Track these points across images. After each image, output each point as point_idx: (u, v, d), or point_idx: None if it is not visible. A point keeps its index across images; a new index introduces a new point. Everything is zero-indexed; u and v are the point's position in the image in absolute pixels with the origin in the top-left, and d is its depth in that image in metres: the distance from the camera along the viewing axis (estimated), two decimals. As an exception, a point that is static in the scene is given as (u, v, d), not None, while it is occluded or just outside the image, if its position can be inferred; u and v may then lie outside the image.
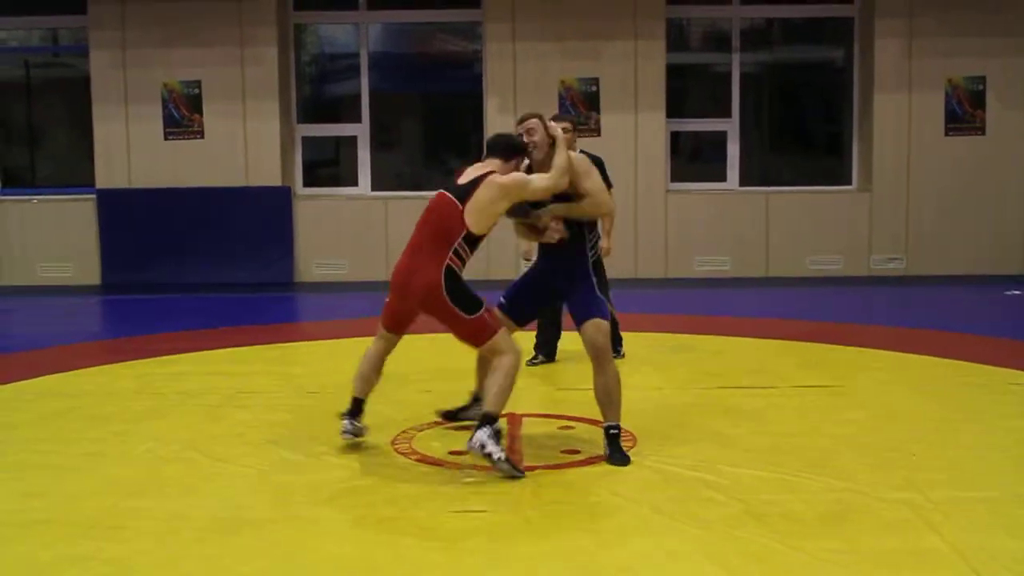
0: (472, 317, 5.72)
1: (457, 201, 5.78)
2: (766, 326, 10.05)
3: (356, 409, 6.15)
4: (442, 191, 5.92)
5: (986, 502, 5.05)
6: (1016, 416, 6.73)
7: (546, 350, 8.53)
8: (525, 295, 6.24)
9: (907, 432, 6.31)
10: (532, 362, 8.33)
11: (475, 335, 5.78)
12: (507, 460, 5.52)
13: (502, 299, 6.21)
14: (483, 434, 5.51)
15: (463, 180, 5.89)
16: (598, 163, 7.63)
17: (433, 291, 5.69)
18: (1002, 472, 5.57)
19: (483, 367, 6.16)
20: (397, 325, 6.15)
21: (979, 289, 12.41)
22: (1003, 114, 13.57)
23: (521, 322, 6.24)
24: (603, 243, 8.33)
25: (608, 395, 5.88)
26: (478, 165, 5.97)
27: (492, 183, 5.77)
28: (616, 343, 8.37)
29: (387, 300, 6.09)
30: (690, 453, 5.95)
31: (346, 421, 6.10)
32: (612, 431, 5.87)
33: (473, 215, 5.74)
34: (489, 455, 5.48)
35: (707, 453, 5.95)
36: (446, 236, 5.75)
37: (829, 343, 9.17)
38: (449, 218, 5.76)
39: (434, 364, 8.04)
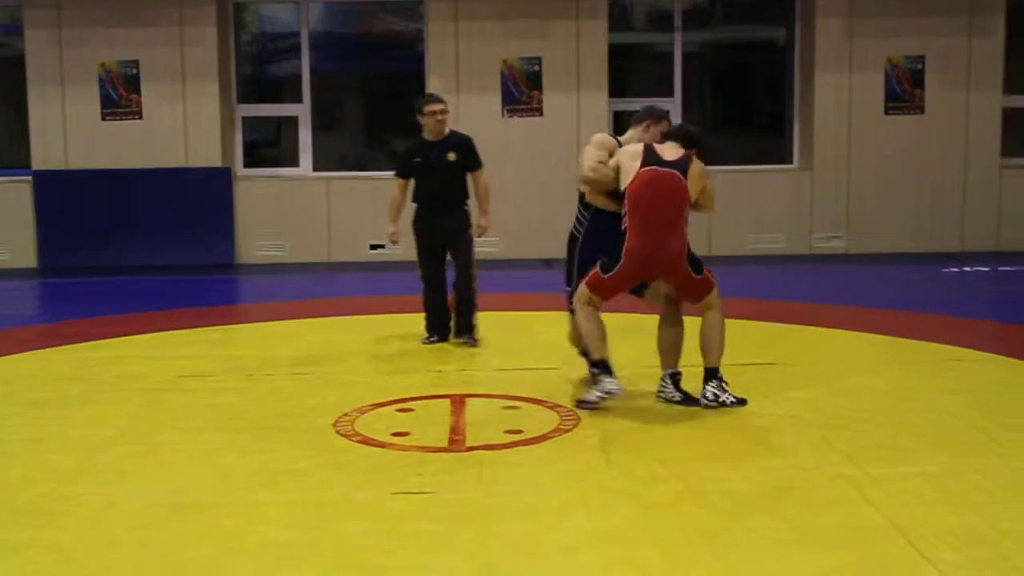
0: (699, 277, 6.44)
1: (681, 176, 6.30)
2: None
3: (609, 368, 6.48)
4: (666, 169, 6.30)
5: (924, 477, 5.11)
6: (953, 392, 6.81)
7: (441, 331, 8.44)
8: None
9: (848, 409, 6.37)
10: (428, 341, 8.35)
11: (701, 290, 6.49)
12: (735, 398, 6.39)
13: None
14: (712, 387, 6.42)
15: (672, 158, 6.34)
16: (468, 144, 8.24)
17: (679, 259, 6.34)
18: (939, 448, 5.63)
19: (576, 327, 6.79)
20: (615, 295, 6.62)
21: (918, 267, 12.55)
22: (942, 93, 13.71)
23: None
24: (481, 221, 8.43)
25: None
26: (669, 144, 6.45)
27: (697, 161, 6.40)
28: (470, 329, 8.35)
29: (621, 273, 6.39)
30: (633, 432, 5.97)
31: (611, 382, 6.40)
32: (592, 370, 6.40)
33: (690, 188, 6.32)
34: (723, 403, 6.34)
35: (649, 433, 5.97)
36: (682, 208, 6.33)
37: (771, 321, 9.23)
38: (681, 191, 6.30)
39: (370, 348, 8.01)
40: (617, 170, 6.44)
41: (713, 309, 6.52)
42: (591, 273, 6.48)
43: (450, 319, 8.42)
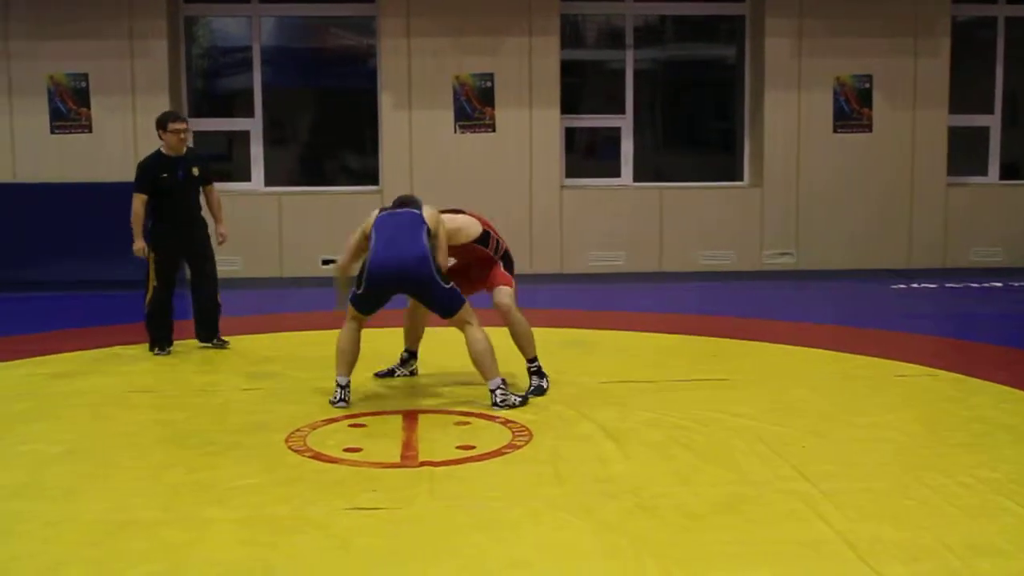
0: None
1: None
2: (660, 321, 10.14)
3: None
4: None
5: (873, 492, 5.16)
6: (901, 407, 6.88)
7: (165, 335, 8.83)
8: None
9: (798, 424, 6.41)
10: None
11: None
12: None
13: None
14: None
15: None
16: (205, 160, 9.12)
17: None
18: (888, 463, 5.68)
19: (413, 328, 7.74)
20: None
21: (867, 283, 12.66)
22: (889, 112, 13.87)
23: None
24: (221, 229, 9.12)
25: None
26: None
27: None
28: (214, 330, 8.96)
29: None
30: (585, 448, 5.98)
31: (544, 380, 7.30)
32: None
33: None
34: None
35: (600, 447, 5.98)
36: None
37: (722, 337, 9.28)
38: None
39: (322, 364, 7.95)
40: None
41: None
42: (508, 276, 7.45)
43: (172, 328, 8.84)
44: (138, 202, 8.75)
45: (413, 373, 7.83)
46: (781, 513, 4.89)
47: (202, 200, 9.07)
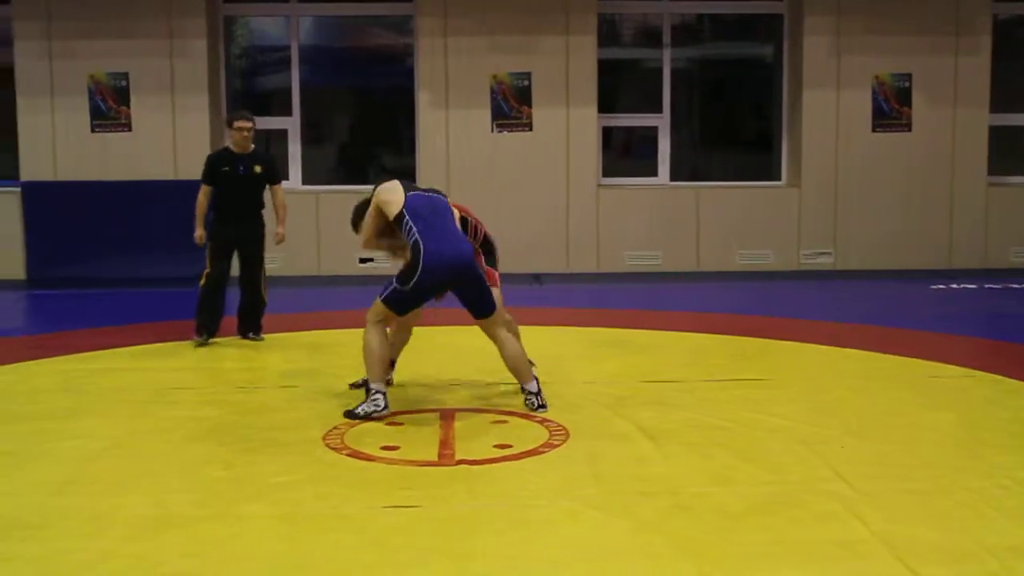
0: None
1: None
2: (697, 320, 10.11)
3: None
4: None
5: (912, 493, 5.13)
6: (940, 408, 6.83)
7: (213, 328, 9.12)
8: None
9: (836, 425, 6.38)
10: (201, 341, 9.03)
11: None
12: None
13: None
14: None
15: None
16: (272, 160, 9.43)
17: None
18: (927, 465, 5.64)
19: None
20: None
21: (906, 284, 12.58)
22: (928, 111, 13.78)
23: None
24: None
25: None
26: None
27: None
28: (253, 325, 9.25)
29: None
30: (622, 447, 5.97)
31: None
32: None
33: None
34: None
35: (638, 447, 5.97)
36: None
37: (760, 337, 9.25)
38: None
39: (360, 362, 7.98)
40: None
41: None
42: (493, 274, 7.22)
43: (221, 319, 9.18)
44: (201, 192, 9.15)
45: (389, 383, 7.15)
46: (819, 514, 4.86)
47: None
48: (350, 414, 6.51)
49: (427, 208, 6.60)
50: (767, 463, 5.65)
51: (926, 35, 13.67)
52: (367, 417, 6.45)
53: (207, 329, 9.04)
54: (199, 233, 9.10)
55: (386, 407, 6.52)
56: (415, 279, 6.39)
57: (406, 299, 6.52)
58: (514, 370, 6.82)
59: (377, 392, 6.51)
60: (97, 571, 4.30)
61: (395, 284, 6.48)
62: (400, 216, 6.54)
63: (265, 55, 14.86)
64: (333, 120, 15.11)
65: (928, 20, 13.66)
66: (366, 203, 6.85)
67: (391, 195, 6.62)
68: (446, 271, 6.45)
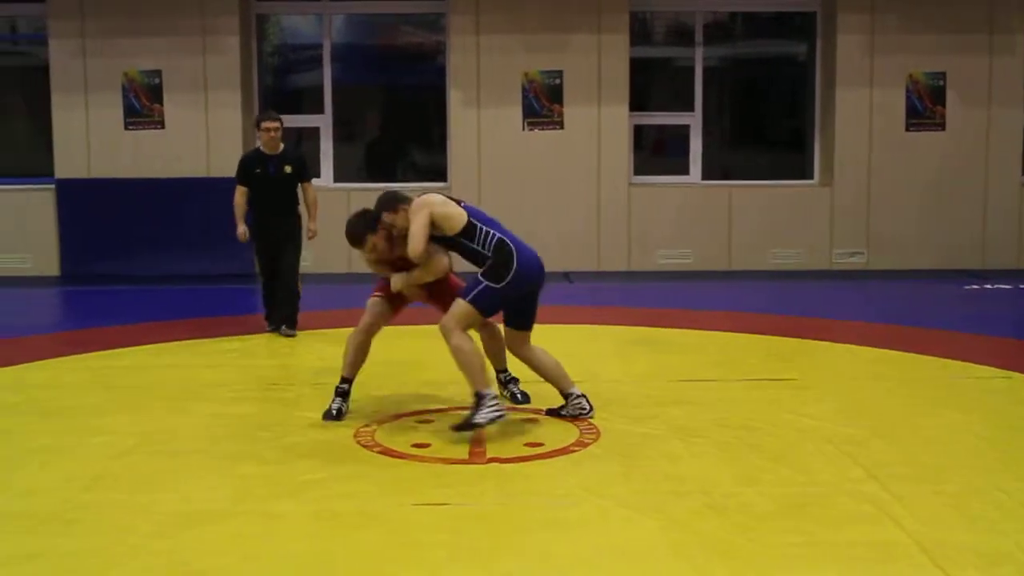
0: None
1: None
2: (728, 319, 10.07)
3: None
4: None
5: (946, 495, 5.08)
6: (973, 410, 6.77)
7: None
8: None
9: (867, 425, 6.34)
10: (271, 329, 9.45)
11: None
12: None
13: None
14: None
15: None
16: (302, 159, 9.70)
17: None
18: (961, 466, 5.59)
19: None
20: None
21: (939, 284, 12.49)
22: (963, 110, 13.67)
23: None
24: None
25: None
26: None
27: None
28: (287, 320, 9.44)
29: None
30: (653, 446, 5.95)
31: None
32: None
33: None
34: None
35: (670, 446, 5.95)
36: None
37: (791, 336, 9.20)
38: None
39: (390, 359, 8.01)
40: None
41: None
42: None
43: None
44: (237, 193, 9.44)
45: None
46: (851, 515, 4.83)
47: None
48: (466, 426, 6.01)
49: (485, 215, 6.37)
50: (798, 463, 5.62)
51: (961, 34, 13.55)
52: (489, 423, 5.98)
53: (270, 319, 9.56)
54: (241, 230, 9.39)
55: (503, 410, 6.11)
56: (509, 277, 6.10)
57: (496, 299, 6.16)
58: (556, 378, 6.56)
59: (492, 397, 6.04)
60: (127, 567, 4.32)
61: (485, 282, 6.12)
62: (470, 226, 6.21)
63: (297, 53, 14.90)
64: (365, 118, 15.14)
65: (963, 19, 13.55)
66: (368, 214, 6.59)
67: (447, 208, 6.23)
68: (537, 273, 6.25)
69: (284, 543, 4.55)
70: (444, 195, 6.42)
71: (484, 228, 6.22)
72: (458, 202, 6.37)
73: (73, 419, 6.63)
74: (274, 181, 9.32)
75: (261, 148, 9.44)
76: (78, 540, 4.59)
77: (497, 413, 6.00)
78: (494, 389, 6.06)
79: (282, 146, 9.46)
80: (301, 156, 9.78)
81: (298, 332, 9.34)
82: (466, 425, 5.98)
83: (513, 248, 6.16)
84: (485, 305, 6.15)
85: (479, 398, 6.01)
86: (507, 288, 6.12)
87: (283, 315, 9.42)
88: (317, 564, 4.34)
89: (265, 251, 9.47)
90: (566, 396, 6.56)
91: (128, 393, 7.32)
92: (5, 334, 9.51)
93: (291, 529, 4.72)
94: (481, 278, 6.16)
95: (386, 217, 6.41)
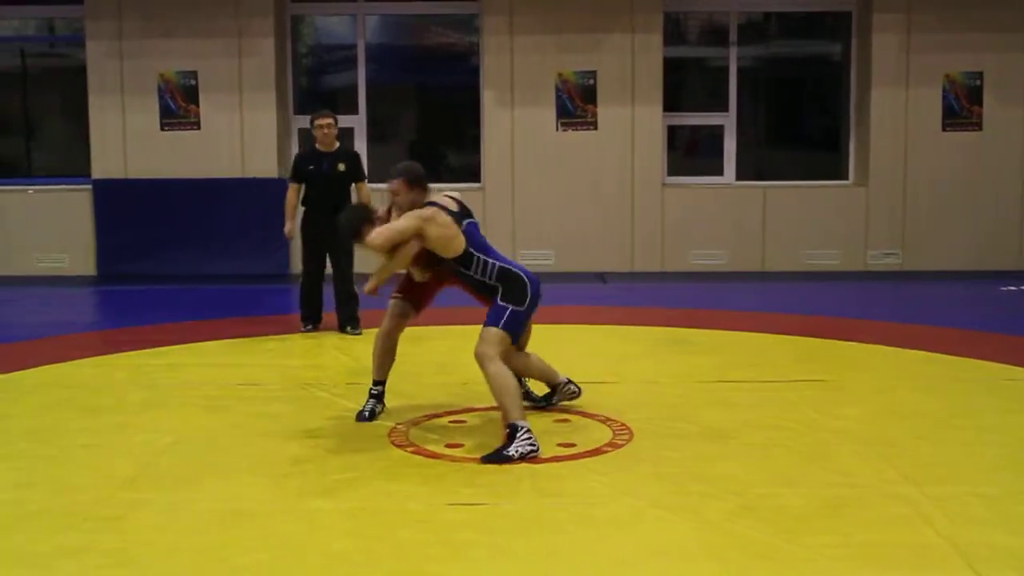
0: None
1: None
2: (763, 320, 10.05)
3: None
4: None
5: (983, 498, 5.06)
6: (1011, 412, 6.73)
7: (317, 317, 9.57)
8: None
9: (903, 427, 6.32)
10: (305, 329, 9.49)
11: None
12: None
13: None
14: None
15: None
16: (355, 157, 9.63)
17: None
18: (998, 468, 5.57)
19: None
20: None
21: (975, 285, 12.41)
22: (1000, 110, 13.56)
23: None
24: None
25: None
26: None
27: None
28: (349, 319, 9.46)
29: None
30: (686, 447, 5.96)
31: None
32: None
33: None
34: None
35: (703, 447, 5.96)
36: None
37: (826, 337, 9.17)
38: None
39: (424, 359, 8.04)
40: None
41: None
42: None
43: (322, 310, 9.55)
44: (289, 190, 9.60)
45: (383, 406, 6.76)
46: (886, 517, 4.82)
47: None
48: (496, 458, 5.72)
49: (484, 241, 6.32)
50: (832, 465, 5.61)
51: (998, 32, 13.45)
52: (520, 458, 5.71)
53: (310, 320, 9.53)
54: (288, 227, 9.60)
55: (537, 446, 5.83)
56: (528, 299, 6.14)
57: (522, 321, 6.19)
58: (545, 373, 6.71)
59: (526, 431, 5.83)
60: (166, 564, 4.38)
61: (511, 307, 6.08)
62: (467, 255, 6.19)
63: (331, 53, 14.97)
64: (399, 118, 15.19)
65: (1000, 18, 13.44)
66: (365, 209, 6.64)
67: (447, 231, 6.16)
68: (541, 293, 6.25)
69: (323, 540, 4.59)
70: (455, 201, 6.34)
71: (481, 257, 6.18)
72: (464, 215, 6.29)
73: (113, 417, 6.70)
74: (328, 178, 9.36)
75: (316, 145, 9.50)
76: (119, 537, 4.65)
77: (531, 448, 5.76)
78: (529, 423, 5.93)
79: (337, 144, 9.54)
80: (355, 155, 9.84)
81: (347, 331, 9.38)
82: (497, 457, 5.73)
83: (520, 273, 6.19)
84: (515, 329, 6.14)
85: (512, 429, 5.84)
86: (528, 310, 6.18)
87: (346, 316, 9.43)
88: (353, 562, 4.38)
89: (313, 250, 9.48)
90: (555, 387, 6.75)
91: (167, 392, 7.38)
92: (44, 333, 9.60)
93: (329, 527, 4.76)
94: (504, 303, 6.11)
95: (394, 184, 6.37)
